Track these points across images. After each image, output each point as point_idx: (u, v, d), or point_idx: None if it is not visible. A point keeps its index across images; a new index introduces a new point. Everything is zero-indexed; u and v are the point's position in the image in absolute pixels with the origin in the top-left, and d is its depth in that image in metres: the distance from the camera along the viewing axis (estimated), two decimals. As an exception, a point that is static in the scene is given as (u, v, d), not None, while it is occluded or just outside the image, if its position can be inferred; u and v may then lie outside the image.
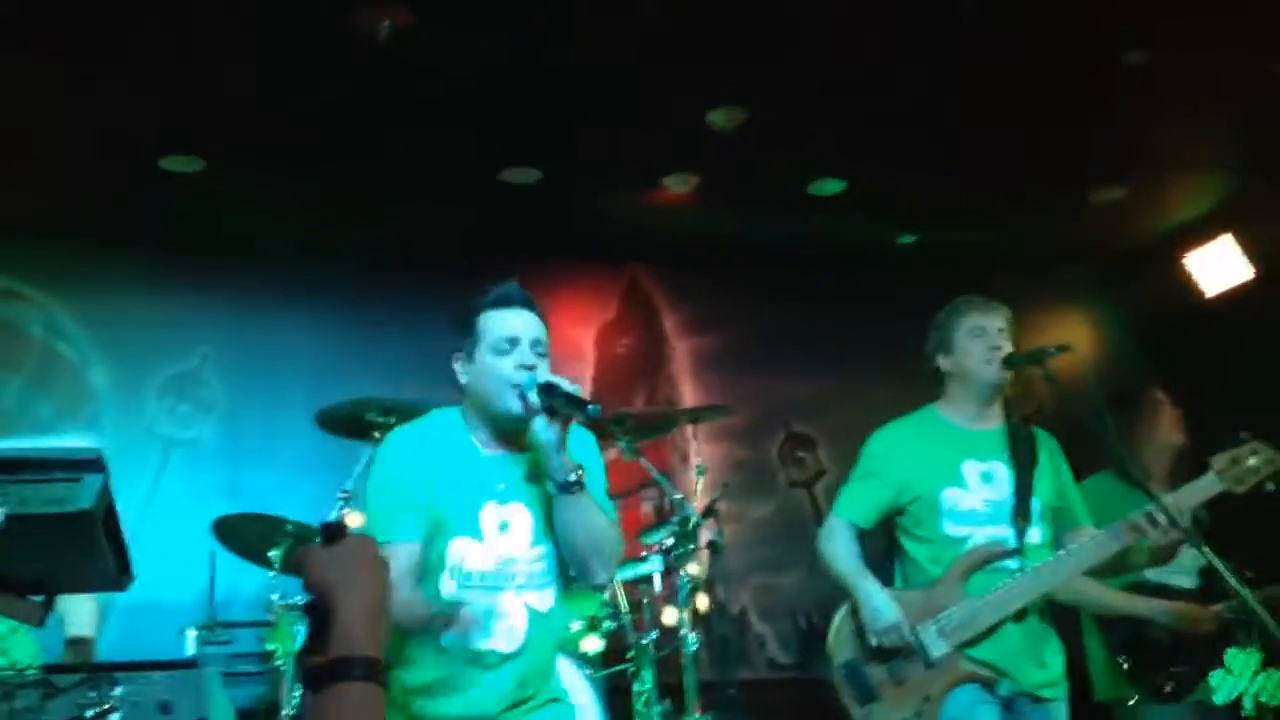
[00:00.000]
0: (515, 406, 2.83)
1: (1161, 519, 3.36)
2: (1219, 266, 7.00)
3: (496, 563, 2.85)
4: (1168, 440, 4.34)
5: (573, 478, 2.82)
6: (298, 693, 4.85)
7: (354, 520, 4.97)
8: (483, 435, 2.94)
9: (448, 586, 2.83)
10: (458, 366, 2.95)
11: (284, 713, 4.86)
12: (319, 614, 1.66)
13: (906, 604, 3.53)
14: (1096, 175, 6.44)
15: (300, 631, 4.93)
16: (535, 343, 2.91)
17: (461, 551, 2.84)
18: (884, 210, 6.86)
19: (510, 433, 2.93)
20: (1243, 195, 6.71)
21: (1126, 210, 6.84)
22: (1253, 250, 6.83)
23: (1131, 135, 5.92)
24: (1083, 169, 6.31)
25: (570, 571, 2.98)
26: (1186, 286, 7.12)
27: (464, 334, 2.94)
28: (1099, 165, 6.30)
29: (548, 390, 2.80)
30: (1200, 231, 7.04)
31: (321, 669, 1.61)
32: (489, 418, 2.92)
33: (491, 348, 2.89)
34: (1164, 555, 3.49)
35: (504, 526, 2.88)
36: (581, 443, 2.97)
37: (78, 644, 3.88)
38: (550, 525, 2.91)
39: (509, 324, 2.91)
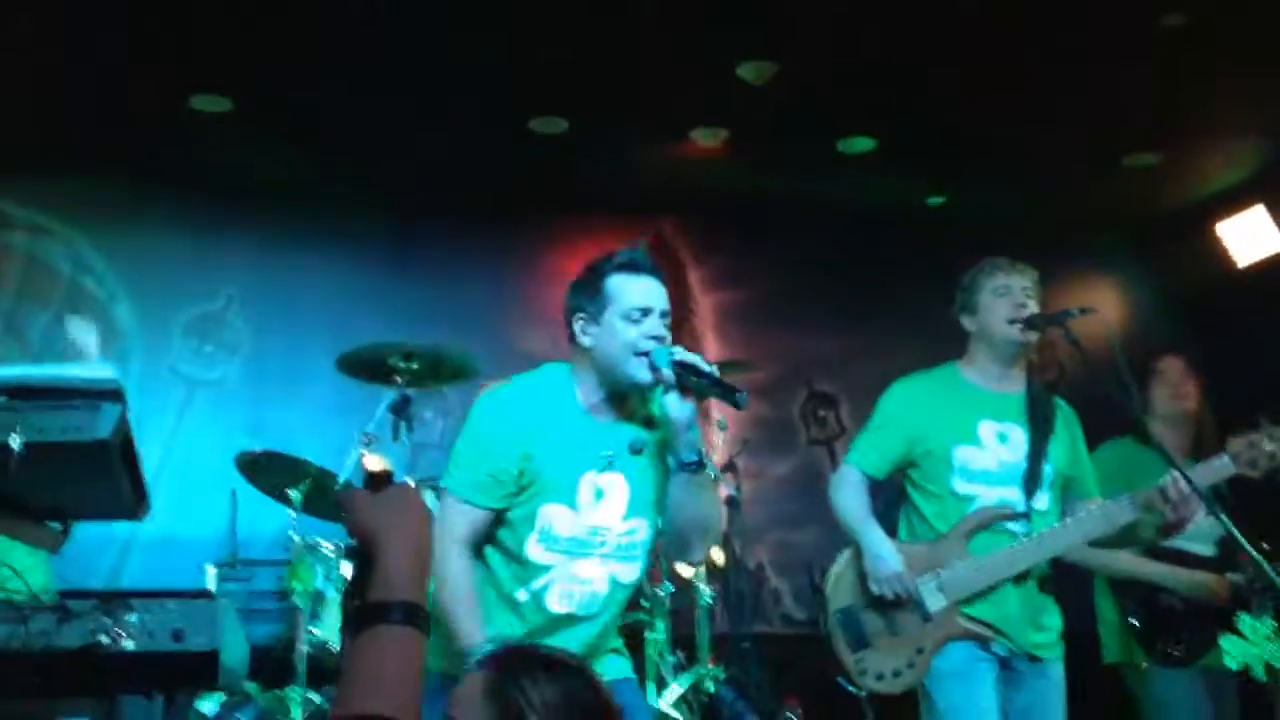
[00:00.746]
0: (643, 374, 2.80)
1: (1172, 493, 3.33)
2: (1251, 236, 6.92)
3: (587, 530, 2.85)
4: (1174, 408, 4.29)
5: (698, 456, 2.81)
6: (315, 629, 4.91)
7: (373, 463, 5.01)
8: (593, 399, 2.91)
9: (533, 549, 2.83)
10: (578, 327, 2.90)
11: (300, 649, 4.92)
12: (362, 558, 1.66)
13: (908, 557, 3.54)
14: (1129, 140, 6.36)
15: (319, 571, 4.99)
16: (664, 314, 2.88)
17: (552, 516, 2.83)
18: (913, 170, 6.80)
19: (622, 400, 2.90)
20: (1277, 164, 6.61)
21: (1159, 176, 6.76)
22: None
23: (1166, 100, 5.84)
24: (1115, 133, 6.24)
25: (670, 548, 3.00)
26: (1218, 256, 7.04)
27: (590, 295, 2.88)
28: (1132, 130, 6.21)
29: (687, 368, 2.76)
30: (1233, 200, 6.96)
31: (361, 612, 1.61)
32: (607, 382, 2.88)
33: (622, 314, 2.83)
34: (1172, 530, 3.47)
35: (599, 494, 2.86)
36: (695, 430, 2.90)
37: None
38: (646, 499, 2.90)
39: (642, 292, 2.86)
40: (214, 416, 6.52)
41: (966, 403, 3.63)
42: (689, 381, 2.76)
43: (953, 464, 3.55)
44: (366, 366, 5.09)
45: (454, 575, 2.76)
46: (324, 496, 5.04)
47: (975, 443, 3.56)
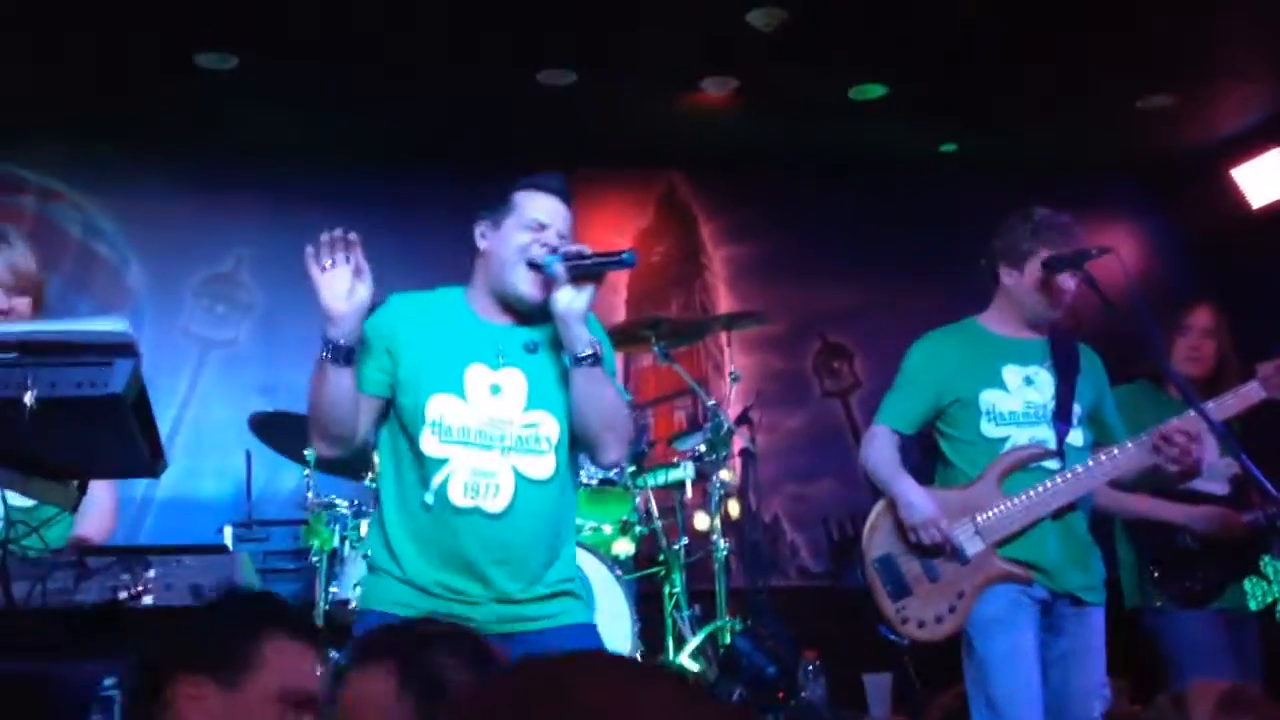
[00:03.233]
0: (525, 285, 2.88)
1: (1176, 438, 3.33)
2: (1267, 179, 6.85)
3: (483, 422, 2.85)
4: (1185, 369, 4.23)
5: (591, 350, 2.85)
6: (333, 588, 4.93)
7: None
8: (483, 305, 2.97)
9: (428, 443, 2.83)
10: (480, 229, 2.97)
11: (319, 608, 4.94)
12: None
13: (943, 504, 3.51)
14: (1145, 81, 6.28)
15: (336, 529, 4.99)
16: (563, 236, 2.93)
17: (442, 408, 2.84)
18: (926, 117, 6.73)
19: (512, 307, 2.95)
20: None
21: (1174, 119, 6.68)
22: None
23: (1181, 42, 5.76)
24: (1130, 74, 6.16)
25: (583, 449, 2.99)
26: (1233, 199, 6.97)
27: (496, 204, 2.96)
28: (1147, 72, 6.14)
29: (575, 257, 2.84)
30: (1249, 143, 6.88)
31: None
32: (495, 288, 2.94)
33: (522, 224, 2.91)
34: (1188, 473, 3.45)
35: (496, 389, 2.88)
36: (593, 326, 2.95)
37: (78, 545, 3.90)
38: (547, 393, 2.92)
39: (546, 209, 2.93)
40: (227, 377, 6.53)
41: (989, 350, 3.60)
42: (581, 269, 2.83)
43: (980, 408, 3.52)
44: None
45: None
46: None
47: (1001, 387, 3.54)
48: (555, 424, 2.91)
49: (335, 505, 5.00)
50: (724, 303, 7.29)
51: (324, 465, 5.00)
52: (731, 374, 6.04)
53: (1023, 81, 6.18)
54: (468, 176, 6.72)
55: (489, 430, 2.85)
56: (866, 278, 7.26)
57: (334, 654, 4.72)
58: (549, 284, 2.86)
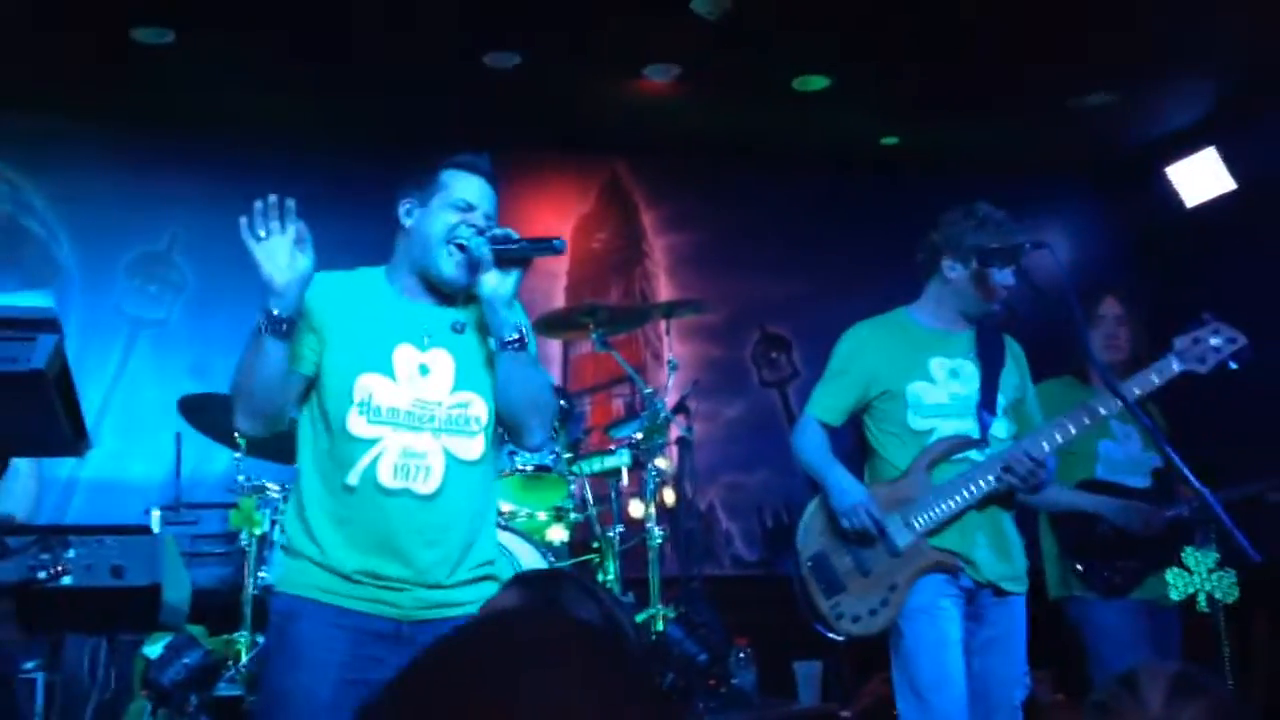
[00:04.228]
0: (449, 266, 2.86)
1: (1023, 465, 3.40)
2: (1201, 178, 6.95)
3: (412, 402, 2.82)
4: (1105, 356, 4.30)
5: (517, 335, 2.83)
6: (262, 573, 4.87)
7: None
8: (407, 284, 2.94)
9: (356, 423, 2.78)
10: (405, 205, 2.94)
11: (248, 593, 4.88)
12: None
13: (874, 497, 3.54)
14: (1084, 79, 6.35)
15: (266, 513, 4.94)
16: (490, 216, 2.92)
17: (370, 387, 2.80)
18: (869, 110, 6.77)
19: (434, 286, 2.92)
20: (1228, 106, 6.64)
21: (1113, 116, 6.77)
22: (1235, 162, 6.78)
23: (1119, 40, 5.83)
24: (1070, 72, 6.22)
25: (508, 432, 2.98)
26: (1170, 196, 7.08)
27: (423, 182, 2.93)
28: (1087, 68, 6.20)
29: (502, 240, 2.82)
30: (1185, 142, 6.98)
31: None
32: (419, 267, 2.91)
33: (449, 203, 2.89)
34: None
35: (424, 370, 2.85)
36: (517, 309, 2.95)
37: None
38: (474, 374, 2.90)
39: (472, 189, 2.91)
40: (159, 357, 6.43)
41: (917, 342, 3.64)
42: (508, 252, 2.81)
43: (907, 400, 3.56)
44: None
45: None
46: (270, 438, 4.97)
47: (928, 379, 3.57)
48: (484, 404, 2.89)
49: (266, 489, 4.95)
50: (664, 291, 7.29)
51: (255, 448, 4.94)
52: (670, 362, 6.03)
53: (964, 77, 6.23)
54: (409, 158, 6.64)
55: (418, 411, 2.82)
56: (807, 268, 7.29)
57: (259, 639, 4.72)
58: (475, 266, 2.84)
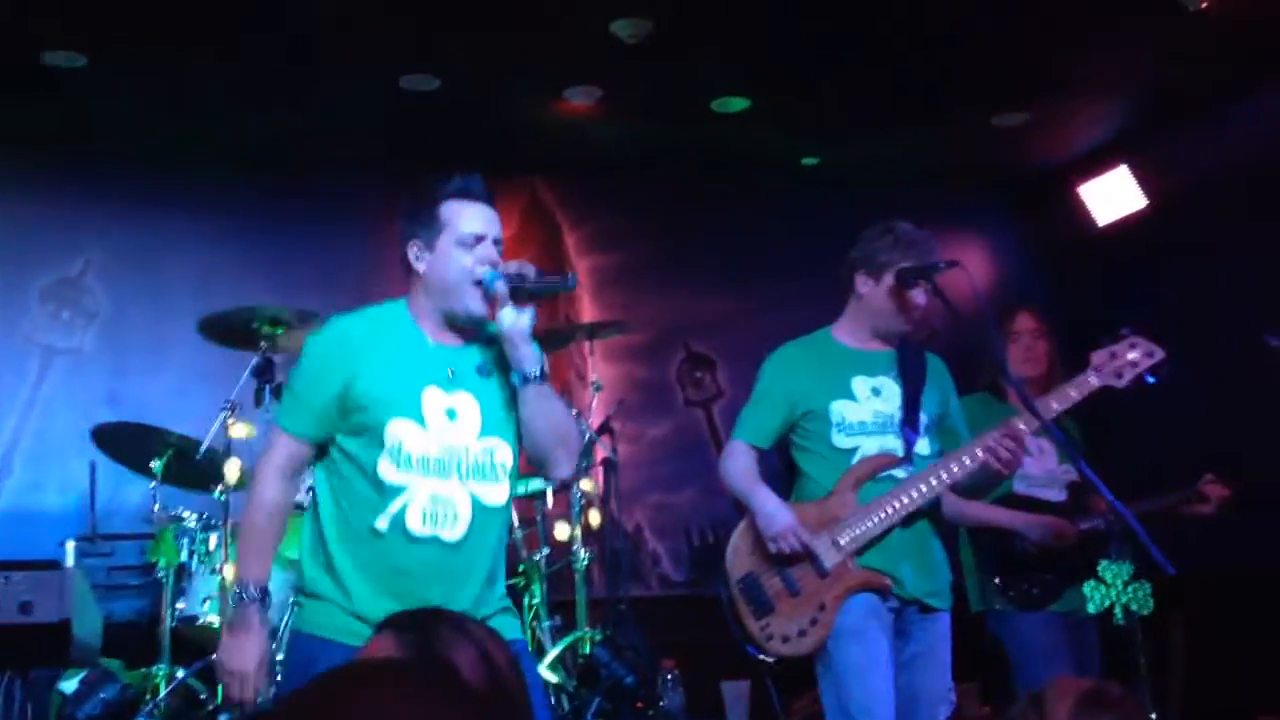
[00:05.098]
0: (476, 304, 2.81)
1: (1005, 449, 3.41)
2: (1113, 196, 7.09)
3: (441, 449, 2.78)
4: (1022, 370, 4.37)
5: (539, 369, 2.81)
6: (180, 604, 4.79)
7: (239, 431, 4.88)
8: (430, 325, 2.89)
9: (386, 469, 2.75)
10: (413, 253, 2.88)
11: (166, 625, 4.79)
12: None
13: (801, 517, 3.54)
14: (1000, 99, 6.45)
15: (184, 543, 4.86)
16: (498, 241, 2.88)
17: (401, 434, 2.76)
18: (788, 130, 6.82)
19: (461, 326, 2.88)
20: (1140, 125, 6.78)
21: (1027, 136, 6.88)
22: (1146, 180, 6.92)
23: (1034, 60, 5.94)
24: (986, 92, 6.32)
25: (535, 465, 2.95)
26: (1083, 214, 7.21)
27: (424, 221, 2.86)
28: (1002, 89, 6.30)
29: (518, 278, 2.79)
30: (1098, 160, 7.12)
31: None
32: (442, 309, 2.86)
33: (457, 240, 2.83)
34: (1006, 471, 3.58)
35: (451, 414, 2.81)
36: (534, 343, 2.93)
37: None
38: (499, 418, 2.86)
39: (476, 219, 2.86)
40: (72, 385, 6.29)
41: (839, 361, 3.66)
42: (525, 290, 2.80)
43: (831, 420, 3.57)
44: (231, 331, 4.95)
45: (257, 502, 2.83)
46: (187, 466, 4.91)
47: (850, 398, 3.59)
48: (508, 449, 2.87)
49: (183, 519, 4.88)
50: (587, 311, 7.28)
51: (172, 477, 4.87)
52: (594, 383, 6.03)
53: (883, 98, 6.30)
54: (327, 181, 6.64)
55: (446, 458, 2.79)
56: (730, 288, 7.33)
57: (178, 672, 4.63)
58: (492, 301, 2.81)
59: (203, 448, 4.82)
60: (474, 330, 2.89)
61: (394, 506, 2.74)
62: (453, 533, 2.77)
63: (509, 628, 2.86)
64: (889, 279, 3.59)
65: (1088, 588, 3.47)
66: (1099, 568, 3.47)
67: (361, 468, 2.77)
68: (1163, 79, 6.20)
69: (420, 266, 2.86)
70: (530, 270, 2.81)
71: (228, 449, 4.85)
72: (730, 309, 7.28)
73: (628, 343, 7.01)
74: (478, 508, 2.80)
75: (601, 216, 7.41)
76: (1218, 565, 5.02)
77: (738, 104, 6.40)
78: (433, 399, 2.80)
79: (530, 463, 2.95)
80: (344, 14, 5.25)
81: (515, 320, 2.79)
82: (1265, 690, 5.41)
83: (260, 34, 5.39)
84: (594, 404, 5.88)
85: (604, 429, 5.84)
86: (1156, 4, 5.37)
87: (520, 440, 2.90)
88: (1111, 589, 3.42)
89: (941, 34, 5.63)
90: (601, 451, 5.88)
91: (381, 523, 2.74)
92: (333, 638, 2.71)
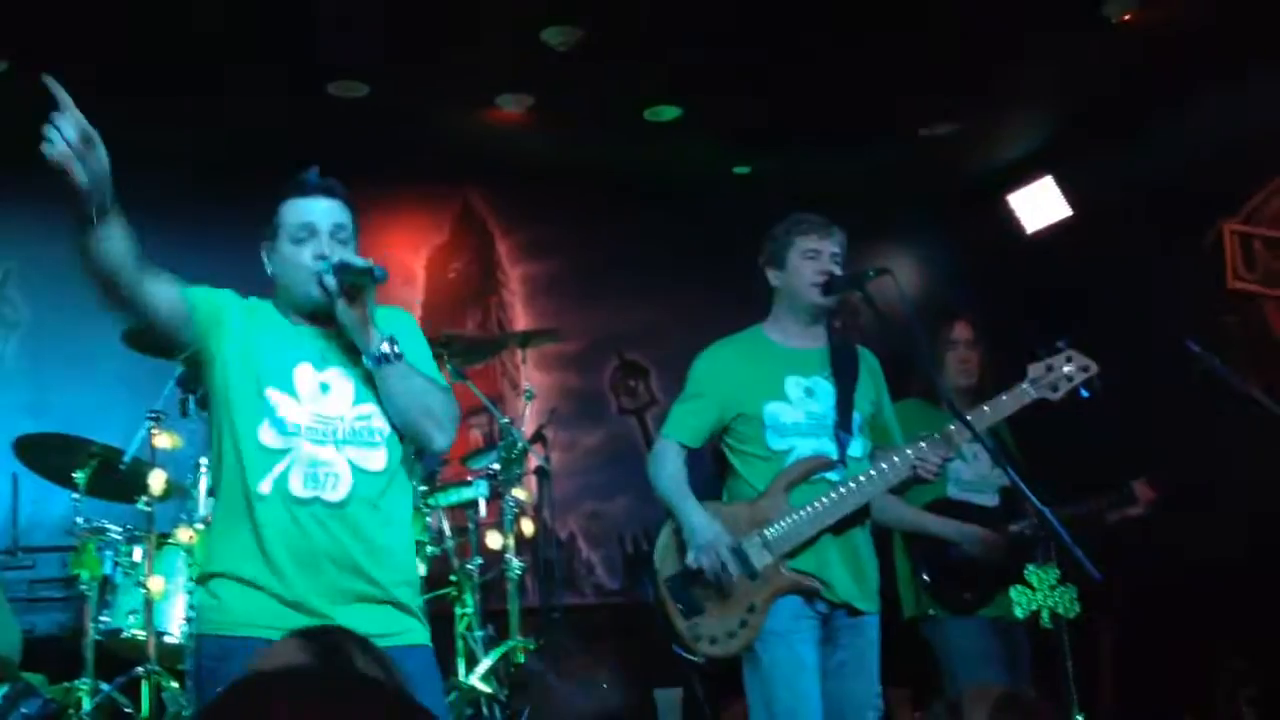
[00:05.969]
0: (315, 293, 2.84)
1: (933, 465, 3.50)
2: (1040, 205, 7.19)
3: (314, 418, 2.83)
4: (956, 380, 4.42)
5: (385, 349, 2.83)
6: (104, 617, 4.70)
7: (163, 441, 4.80)
8: (290, 313, 2.94)
9: (266, 434, 2.79)
10: (265, 256, 2.95)
11: (89, 638, 4.70)
12: None
13: (733, 517, 3.55)
14: (928, 110, 6.52)
15: (107, 556, 4.76)
16: (336, 228, 2.90)
17: (277, 402, 2.81)
18: (721, 139, 6.85)
19: (320, 315, 2.91)
20: (1065, 136, 6.88)
21: (956, 146, 6.96)
22: (1072, 190, 7.03)
23: (962, 71, 6.00)
24: (916, 102, 6.39)
25: (408, 443, 2.95)
26: (1011, 223, 7.30)
27: (270, 223, 2.93)
28: (930, 100, 6.37)
29: (342, 269, 2.81)
30: (1026, 170, 7.22)
31: None
32: (293, 304, 2.92)
33: (290, 236, 2.89)
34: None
35: (325, 388, 2.87)
36: (397, 320, 2.97)
37: None
38: (374, 389, 2.88)
39: (306, 212, 2.90)
40: (-8, 396, 6.15)
41: (772, 361, 3.67)
42: (348, 280, 2.82)
43: (765, 421, 3.59)
44: (155, 341, 4.85)
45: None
46: (111, 478, 4.82)
47: (784, 399, 3.60)
48: (383, 417, 2.89)
49: (106, 531, 4.78)
50: (521, 320, 7.26)
51: (96, 489, 4.77)
52: (526, 391, 6.01)
53: (814, 107, 6.34)
54: (255, 189, 6.52)
55: (320, 427, 2.82)
56: (663, 296, 7.33)
57: (102, 686, 4.54)
58: (329, 291, 2.84)
59: (126, 458, 4.74)
60: (333, 317, 2.92)
61: (277, 468, 2.77)
62: (335, 494, 2.79)
63: (410, 631, 2.86)
64: (793, 258, 3.66)
65: (1014, 592, 3.50)
66: (1025, 572, 3.50)
67: (249, 429, 2.79)
68: (1088, 90, 6.31)
69: (270, 269, 2.94)
70: (355, 260, 2.82)
71: (152, 459, 4.77)
72: (663, 317, 7.28)
73: (561, 351, 6.99)
74: (357, 471, 2.82)
75: (534, 224, 7.39)
76: (1147, 567, 5.10)
77: (670, 112, 6.41)
78: (306, 374, 2.86)
79: (405, 441, 2.95)
80: (271, 17, 5.19)
81: (346, 312, 2.83)
82: (1192, 691, 5.51)
83: (181, 41, 5.32)
84: (527, 412, 5.85)
85: (537, 437, 5.82)
86: (1081, 18, 5.48)
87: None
88: (1038, 593, 3.45)
89: (871, 45, 5.68)
90: (534, 460, 5.85)
91: (265, 486, 2.76)
92: (249, 634, 2.68)
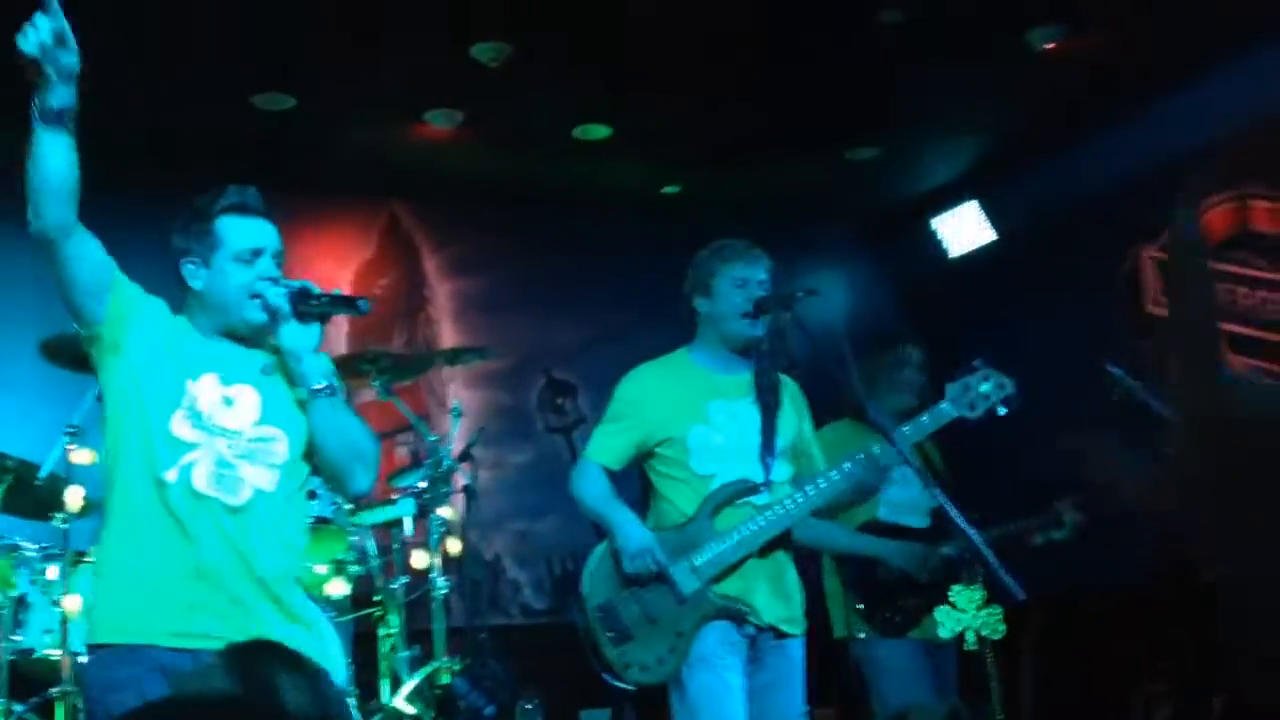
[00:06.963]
0: (257, 315, 2.81)
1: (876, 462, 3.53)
2: (964, 229, 7.30)
3: (218, 429, 2.78)
4: (899, 402, 4.47)
5: (325, 382, 2.80)
6: (16, 636, 4.59)
7: (81, 457, 4.70)
8: (210, 333, 2.88)
9: (179, 425, 2.74)
10: (188, 270, 2.86)
11: (2, 659, 4.58)
12: None
13: (661, 543, 3.54)
14: (853, 134, 6.59)
15: (23, 574, 4.65)
16: (278, 254, 2.88)
17: (195, 394, 2.77)
18: (650, 159, 6.87)
19: (242, 336, 2.87)
20: (988, 161, 6.99)
21: (880, 171, 7.04)
22: (995, 215, 7.14)
23: (886, 96, 6.08)
24: (840, 126, 6.44)
25: (330, 481, 2.94)
26: (935, 246, 7.40)
27: (199, 237, 2.86)
28: (855, 124, 6.44)
29: (303, 296, 2.79)
30: (950, 195, 7.32)
31: None
32: (221, 324, 2.86)
33: (233, 256, 2.83)
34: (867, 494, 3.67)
35: (228, 401, 2.81)
36: (323, 357, 2.91)
37: None
38: (281, 412, 2.84)
39: (254, 234, 2.86)
40: (-97, 409, 5.98)
41: (697, 386, 3.67)
42: (308, 308, 2.80)
43: (689, 446, 3.59)
44: (73, 354, 4.75)
45: None
46: (26, 493, 4.71)
47: (708, 423, 3.61)
48: (285, 443, 2.83)
49: (21, 548, 4.66)
50: (448, 337, 7.21)
51: (9, 506, 4.66)
52: (454, 409, 5.96)
53: (741, 129, 6.38)
54: (176, 200, 6.42)
55: (225, 437, 2.78)
56: (592, 314, 7.32)
57: (15, 707, 4.42)
58: (274, 314, 2.81)
59: (42, 474, 4.63)
60: (256, 338, 2.89)
61: (184, 459, 2.73)
62: (236, 500, 2.75)
63: (293, 635, 2.80)
64: (721, 286, 3.66)
65: (940, 613, 3.54)
66: (950, 593, 3.54)
67: (161, 416, 2.74)
68: (1010, 118, 6.42)
69: (196, 284, 2.85)
70: (315, 288, 2.81)
71: (69, 475, 4.67)
72: (592, 335, 7.27)
73: (488, 369, 6.96)
74: (255, 490, 2.78)
75: (463, 241, 7.35)
76: (1068, 588, 5.16)
77: (599, 131, 6.42)
78: (210, 386, 2.79)
79: (326, 480, 2.93)
80: (196, 26, 5.11)
81: (298, 337, 2.80)
82: (1114, 710, 5.58)
83: (108, 47, 5.19)
84: (455, 431, 5.80)
85: (464, 456, 5.77)
86: (1004, 46, 5.57)
87: (309, 445, 2.87)
88: (964, 614, 3.49)
89: (799, 70, 5.73)
90: (461, 478, 5.81)
91: (171, 474, 2.72)
92: (149, 641, 2.64)
